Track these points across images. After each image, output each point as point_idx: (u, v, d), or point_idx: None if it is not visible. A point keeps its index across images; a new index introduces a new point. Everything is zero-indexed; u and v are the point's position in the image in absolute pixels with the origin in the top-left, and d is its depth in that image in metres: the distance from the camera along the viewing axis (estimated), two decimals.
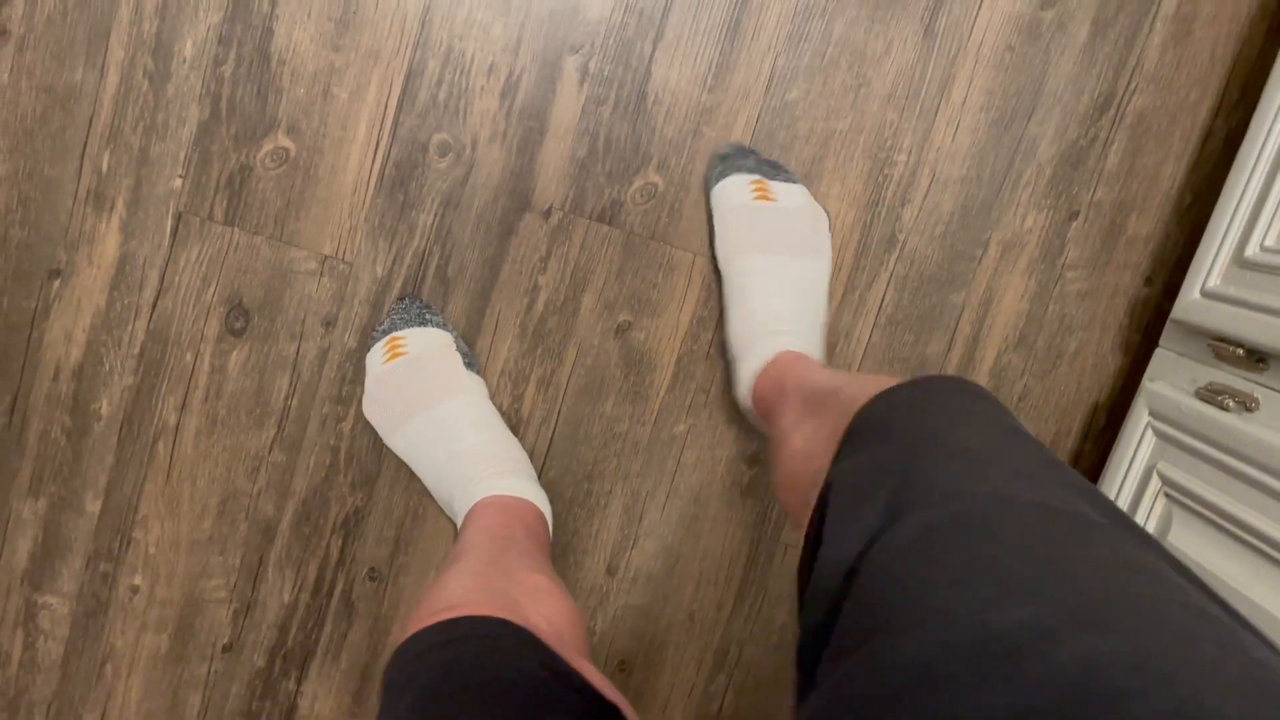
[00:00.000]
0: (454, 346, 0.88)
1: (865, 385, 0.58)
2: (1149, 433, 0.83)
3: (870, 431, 0.47)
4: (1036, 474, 0.39)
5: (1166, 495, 0.80)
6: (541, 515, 0.82)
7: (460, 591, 0.60)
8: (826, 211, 0.91)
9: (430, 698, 0.48)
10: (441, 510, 0.93)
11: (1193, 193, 0.95)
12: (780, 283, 0.85)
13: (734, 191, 0.87)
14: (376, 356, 0.88)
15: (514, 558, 0.70)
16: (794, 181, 0.89)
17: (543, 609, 0.62)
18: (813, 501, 0.50)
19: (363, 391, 0.90)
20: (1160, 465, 0.81)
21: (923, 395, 0.47)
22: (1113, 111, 0.93)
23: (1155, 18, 0.91)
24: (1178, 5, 0.91)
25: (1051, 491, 0.37)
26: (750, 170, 0.87)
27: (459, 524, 0.82)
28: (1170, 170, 0.94)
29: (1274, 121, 0.78)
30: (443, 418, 0.86)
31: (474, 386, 0.88)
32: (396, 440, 0.88)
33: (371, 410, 0.89)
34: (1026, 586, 0.29)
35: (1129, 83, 0.92)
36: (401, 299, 0.89)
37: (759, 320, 0.84)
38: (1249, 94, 0.92)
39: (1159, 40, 0.91)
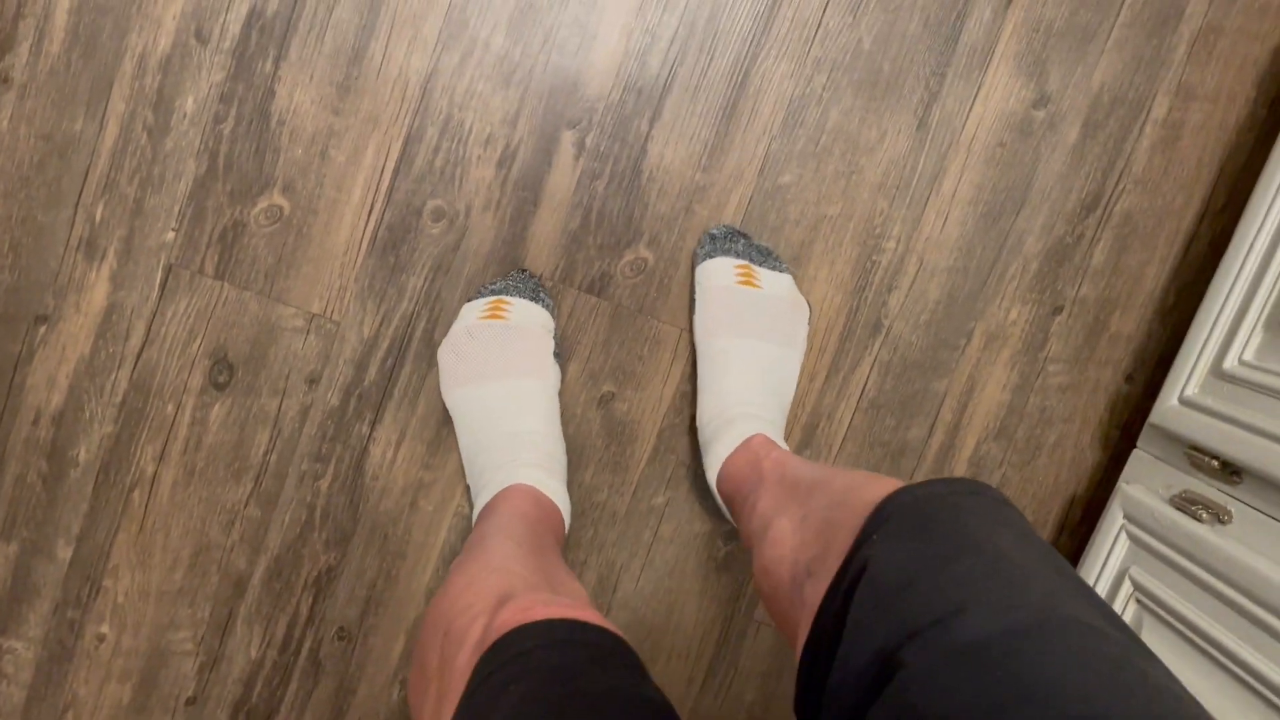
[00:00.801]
0: (551, 331, 0.88)
1: (863, 479, 0.59)
2: (1123, 535, 0.84)
3: (907, 522, 0.47)
4: (1069, 589, 0.41)
5: (1138, 601, 0.81)
6: (564, 525, 0.82)
7: (530, 577, 0.59)
8: (809, 304, 0.92)
9: (541, 701, 0.44)
10: (463, 476, 0.91)
11: (1176, 294, 0.96)
12: (754, 367, 0.86)
13: (719, 272, 0.88)
14: (475, 309, 0.88)
15: (551, 558, 0.69)
16: (781, 270, 0.90)
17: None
18: (809, 585, 0.51)
19: (445, 334, 0.89)
20: (1133, 570, 0.81)
21: (960, 496, 0.48)
22: (1100, 211, 0.94)
23: (1145, 122, 0.93)
24: (1168, 111, 0.93)
25: (1084, 608, 0.39)
26: (738, 255, 0.88)
27: (484, 493, 0.81)
28: (1154, 271, 0.95)
29: (1256, 237, 0.79)
30: (519, 392, 0.85)
31: (554, 376, 0.88)
32: (459, 394, 0.87)
33: (448, 358, 0.88)
34: (1084, 708, 0.31)
35: (1117, 184, 0.93)
36: (522, 270, 0.89)
37: (731, 402, 0.85)
38: (1234, 200, 0.93)
39: (1148, 144, 0.93)
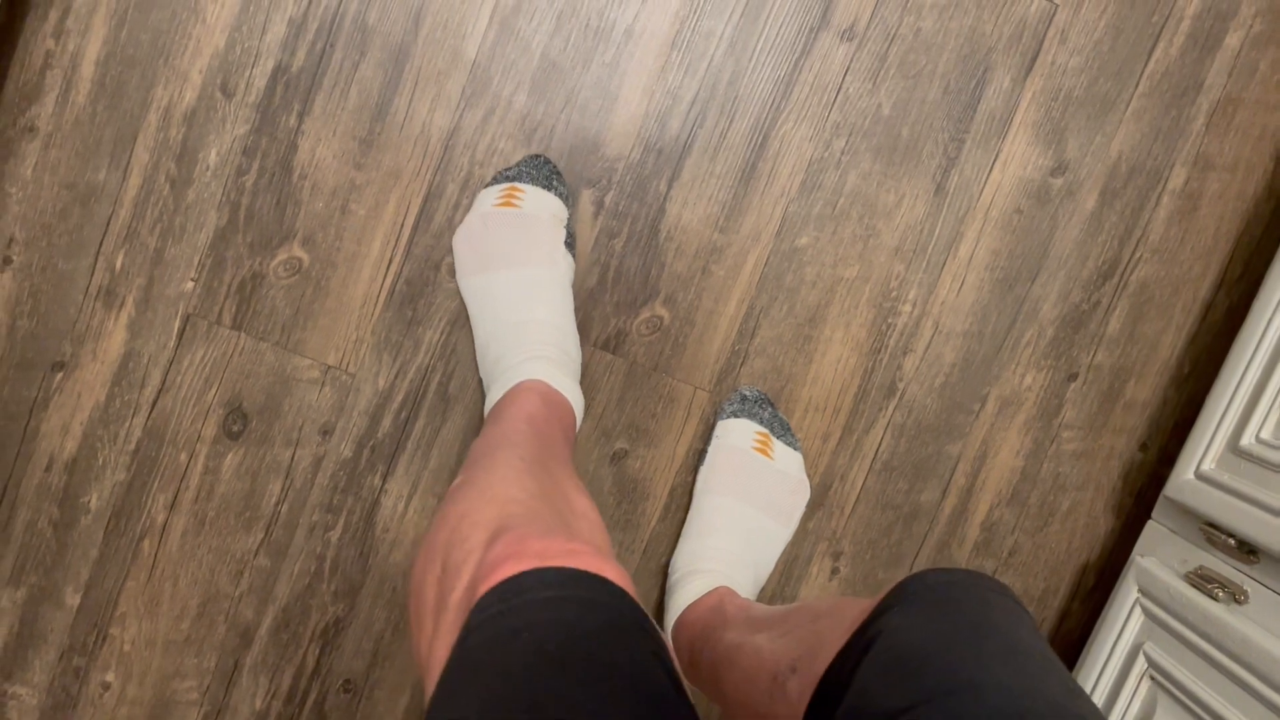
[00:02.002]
0: (565, 221, 0.87)
1: (845, 599, 0.59)
2: (1137, 610, 0.83)
3: (930, 598, 0.46)
4: (1082, 696, 0.41)
5: (1152, 678, 0.80)
6: (575, 419, 0.80)
7: (530, 501, 0.56)
8: (810, 488, 0.93)
9: (549, 658, 0.41)
10: (476, 365, 0.90)
11: (1191, 362, 0.96)
12: (743, 532, 0.88)
13: (738, 433, 0.89)
14: (490, 196, 0.86)
15: (558, 466, 0.67)
16: (795, 448, 0.91)
17: (596, 538, 0.59)
18: (794, 680, 0.50)
19: (461, 220, 0.88)
20: (1147, 646, 0.81)
21: (985, 590, 0.47)
22: (1116, 279, 0.94)
23: (1163, 191, 0.93)
24: (1185, 181, 0.93)
25: (1091, 712, 0.40)
26: (762, 422, 0.90)
27: (494, 388, 0.80)
28: (1170, 339, 0.95)
29: (1274, 313, 0.79)
30: (528, 281, 0.84)
31: (566, 265, 0.86)
32: (472, 282, 0.86)
33: (462, 244, 0.86)
34: None
35: (1134, 252, 0.94)
36: (538, 156, 0.87)
37: (709, 555, 0.86)
38: (1251, 270, 0.93)
39: (1165, 213, 0.93)
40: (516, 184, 0.86)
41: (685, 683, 0.49)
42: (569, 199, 0.88)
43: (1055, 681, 0.40)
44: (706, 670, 0.74)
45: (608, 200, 0.89)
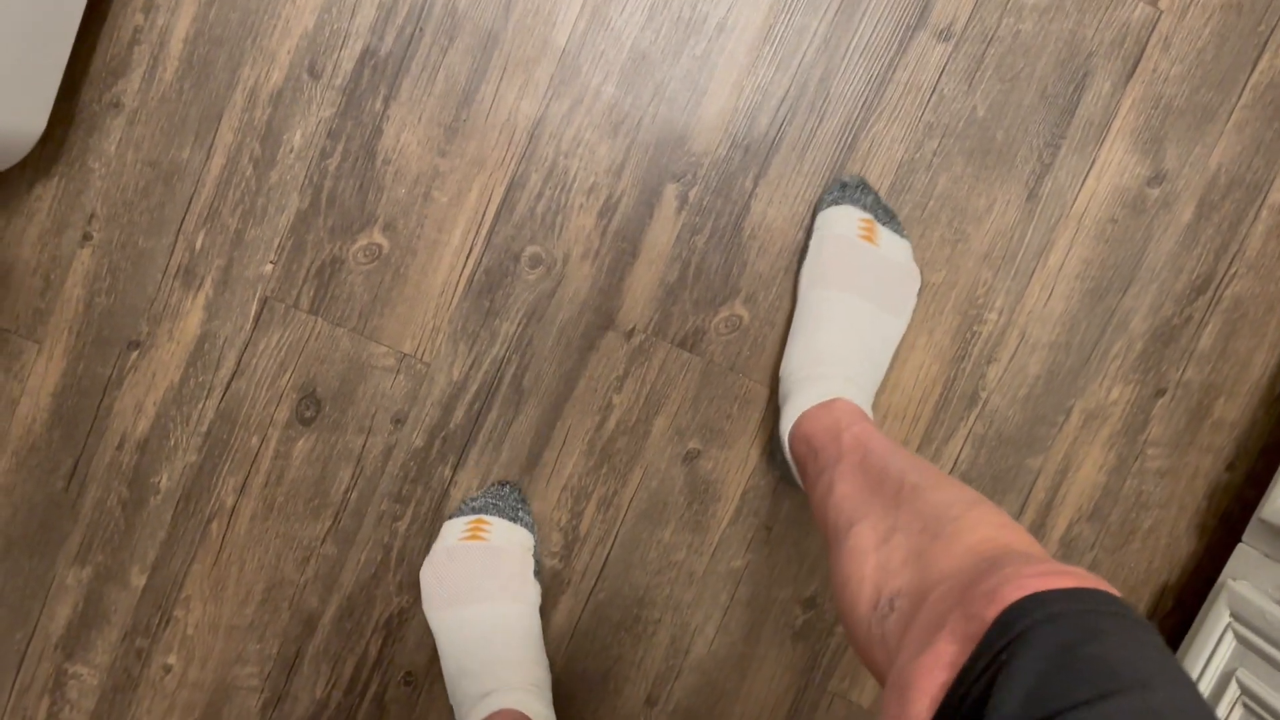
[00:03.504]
0: (531, 551, 0.89)
1: (959, 507, 0.55)
2: (1229, 634, 0.81)
3: (1044, 646, 0.41)
4: None
5: (1245, 705, 0.77)
6: None
7: None
8: (921, 276, 0.89)
9: None
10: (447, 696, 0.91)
11: None
12: (855, 328, 0.82)
13: (841, 221, 0.84)
14: (456, 528, 0.88)
15: None
16: (903, 236, 0.87)
17: None
18: (893, 620, 0.49)
19: (427, 554, 0.89)
20: (1240, 672, 0.78)
21: (1103, 617, 0.44)
22: (1210, 293, 0.91)
23: (1262, 206, 0.90)
24: None
25: None
26: (866, 208, 0.85)
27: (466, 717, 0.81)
28: (1263, 359, 0.92)
29: None
30: (497, 619, 0.85)
31: (534, 597, 0.88)
32: (441, 616, 0.87)
33: (429, 578, 0.88)
34: None
35: (1229, 267, 0.91)
36: (503, 484, 0.89)
37: (823, 357, 0.81)
38: None
39: (1263, 229, 0.91)
40: (483, 516, 0.87)
41: None
42: (534, 527, 0.89)
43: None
44: (817, 508, 0.70)
45: (692, 195, 0.88)
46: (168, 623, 0.91)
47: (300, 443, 0.89)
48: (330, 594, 0.91)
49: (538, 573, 0.90)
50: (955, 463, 0.93)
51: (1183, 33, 0.88)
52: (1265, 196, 0.90)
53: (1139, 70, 0.88)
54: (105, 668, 0.91)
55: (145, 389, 0.87)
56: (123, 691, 0.91)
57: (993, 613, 0.44)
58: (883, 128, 0.88)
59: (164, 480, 0.89)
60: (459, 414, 0.90)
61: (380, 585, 0.91)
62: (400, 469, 0.90)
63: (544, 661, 0.88)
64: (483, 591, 0.86)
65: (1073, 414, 0.93)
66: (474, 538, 0.87)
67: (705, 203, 0.88)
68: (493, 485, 0.89)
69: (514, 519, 0.88)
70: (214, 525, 0.89)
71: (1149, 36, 0.87)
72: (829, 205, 0.86)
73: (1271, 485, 0.83)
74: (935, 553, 0.52)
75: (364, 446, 0.89)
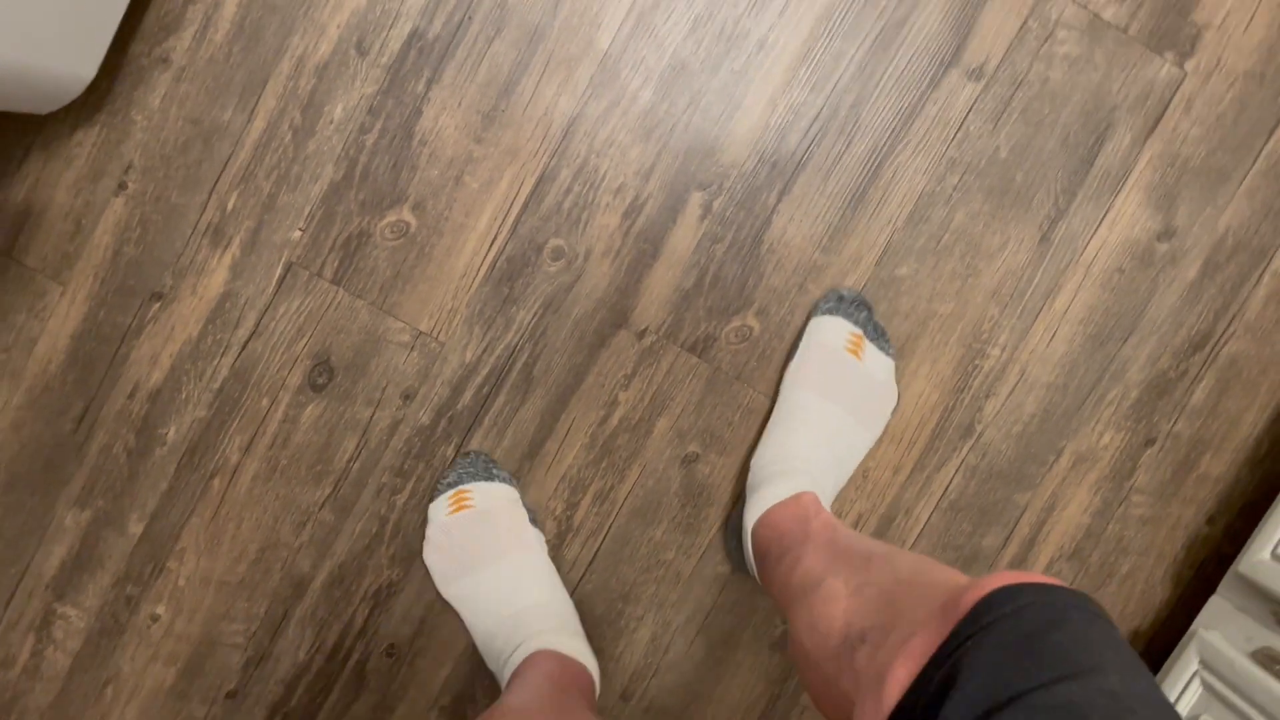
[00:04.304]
0: (519, 501, 0.90)
1: (928, 563, 0.58)
2: (1196, 681, 0.83)
3: (1007, 634, 0.44)
4: None
5: None
6: (593, 680, 0.82)
7: None
8: (899, 397, 0.92)
9: None
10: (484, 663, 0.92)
11: (1270, 444, 0.95)
12: (828, 434, 0.86)
13: (831, 331, 0.88)
14: (441, 507, 0.90)
15: (579, 716, 0.69)
16: (888, 355, 0.90)
17: None
18: (863, 651, 0.51)
19: (424, 539, 0.91)
20: (1204, 718, 0.81)
21: (1063, 609, 0.46)
22: (1207, 350, 0.94)
23: (1265, 270, 0.93)
24: None
25: None
26: (857, 323, 0.88)
27: (506, 677, 0.82)
28: (1252, 418, 0.95)
29: None
30: (509, 573, 0.87)
31: (536, 543, 0.90)
32: (455, 589, 0.89)
33: (433, 557, 0.90)
34: None
35: (1228, 327, 0.94)
36: (466, 454, 0.91)
37: (794, 455, 0.85)
38: None
39: (1264, 292, 0.93)
40: (461, 487, 0.89)
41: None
42: (512, 480, 0.91)
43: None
44: (779, 585, 0.73)
45: (715, 205, 0.90)
46: (160, 573, 0.92)
47: (309, 408, 0.90)
48: (323, 560, 0.93)
49: (533, 520, 0.91)
50: (945, 490, 0.95)
51: (1205, 96, 0.90)
52: (1269, 262, 0.93)
53: (1159, 128, 0.91)
54: (94, 611, 0.92)
55: (163, 341, 0.89)
56: (109, 636, 0.92)
57: (967, 603, 0.47)
58: (907, 158, 0.90)
59: (171, 432, 0.90)
60: (467, 395, 0.91)
61: (373, 556, 0.93)
62: (404, 444, 0.92)
63: (567, 599, 0.89)
64: (487, 553, 0.87)
65: (1063, 454, 0.95)
66: (460, 508, 0.88)
67: (728, 214, 0.90)
68: (457, 459, 0.91)
69: (489, 478, 0.89)
70: (216, 481, 0.91)
71: (1172, 96, 0.90)
72: (823, 313, 0.90)
73: (1250, 539, 0.86)
74: (907, 596, 0.54)
75: (371, 418, 0.91)
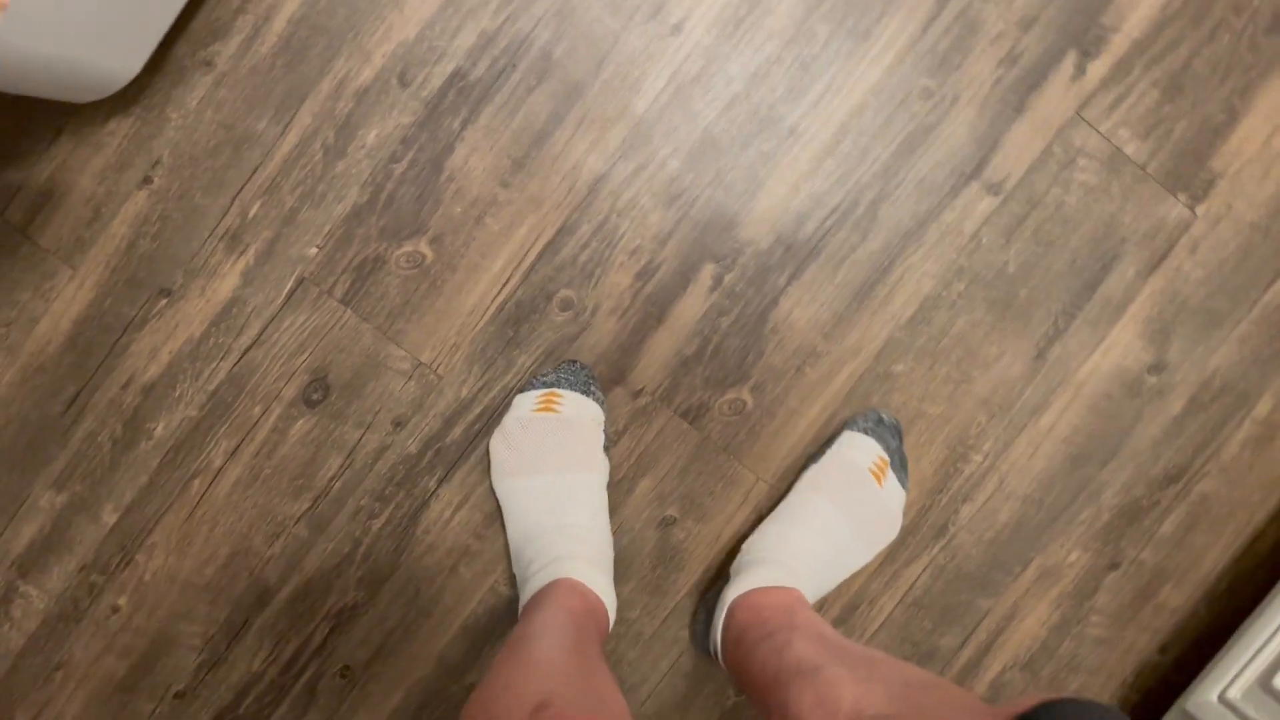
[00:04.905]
0: (602, 425, 0.90)
1: (932, 676, 0.60)
2: None
3: None
4: None
5: None
6: (609, 620, 0.83)
7: (568, 684, 0.61)
8: (901, 529, 0.94)
9: None
10: (511, 564, 0.91)
11: (1229, 583, 0.98)
12: (830, 541, 0.88)
13: (862, 449, 0.90)
14: (528, 401, 0.89)
15: (596, 659, 0.71)
16: (904, 487, 0.93)
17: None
18: None
19: (498, 424, 0.91)
20: None
21: None
22: (1180, 485, 0.96)
23: (1246, 416, 0.95)
24: (1270, 411, 0.95)
25: None
26: (887, 450, 0.91)
27: (529, 584, 0.82)
28: (1215, 556, 0.97)
29: None
30: (569, 487, 0.87)
31: (604, 469, 0.90)
32: (509, 485, 0.89)
33: (500, 447, 0.90)
34: None
35: (1204, 465, 0.96)
36: (574, 362, 0.90)
37: (791, 550, 0.86)
38: None
39: (1243, 437, 0.96)
40: (556, 389, 0.89)
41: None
42: (605, 404, 0.92)
43: None
44: (758, 666, 0.74)
45: (727, 279, 0.91)
46: (127, 565, 0.92)
47: (300, 423, 0.91)
48: (291, 574, 0.93)
49: (608, 448, 0.91)
50: (912, 586, 0.96)
51: (1211, 240, 0.93)
52: (1251, 408, 0.96)
53: (1164, 265, 0.93)
54: (55, 594, 0.92)
55: (164, 337, 0.89)
56: (66, 621, 0.92)
57: (1019, 708, 0.48)
58: (918, 260, 0.92)
59: (160, 428, 0.90)
60: (458, 431, 0.92)
61: (341, 576, 0.93)
62: (389, 469, 0.92)
63: (609, 537, 0.89)
64: (553, 460, 0.87)
65: (1030, 567, 0.97)
66: (546, 409, 0.88)
67: (738, 289, 0.92)
68: (564, 363, 0.91)
69: (586, 392, 0.89)
70: (196, 481, 0.91)
71: (1180, 237, 0.93)
72: (859, 430, 0.91)
73: (1199, 678, 0.88)
74: (927, 695, 0.56)
75: (359, 440, 0.92)
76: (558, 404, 0.88)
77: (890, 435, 0.91)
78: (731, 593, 0.84)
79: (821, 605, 0.97)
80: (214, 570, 0.92)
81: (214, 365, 0.90)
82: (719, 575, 0.95)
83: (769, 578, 0.83)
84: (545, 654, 0.68)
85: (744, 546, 0.90)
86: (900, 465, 0.91)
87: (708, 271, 0.91)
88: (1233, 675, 0.84)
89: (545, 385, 0.90)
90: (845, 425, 0.92)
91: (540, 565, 0.84)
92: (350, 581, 0.93)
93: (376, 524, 0.93)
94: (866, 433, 0.91)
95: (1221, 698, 0.84)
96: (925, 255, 0.92)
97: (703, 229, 0.91)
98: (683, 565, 0.95)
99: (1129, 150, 0.91)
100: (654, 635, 0.96)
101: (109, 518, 0.91)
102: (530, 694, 0.59)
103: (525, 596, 0.84)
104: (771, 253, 0.92)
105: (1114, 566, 0.97)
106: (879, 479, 0.90)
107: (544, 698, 0.58)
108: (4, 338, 0.88)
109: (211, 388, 0.90)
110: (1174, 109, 0.91)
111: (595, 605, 0.82)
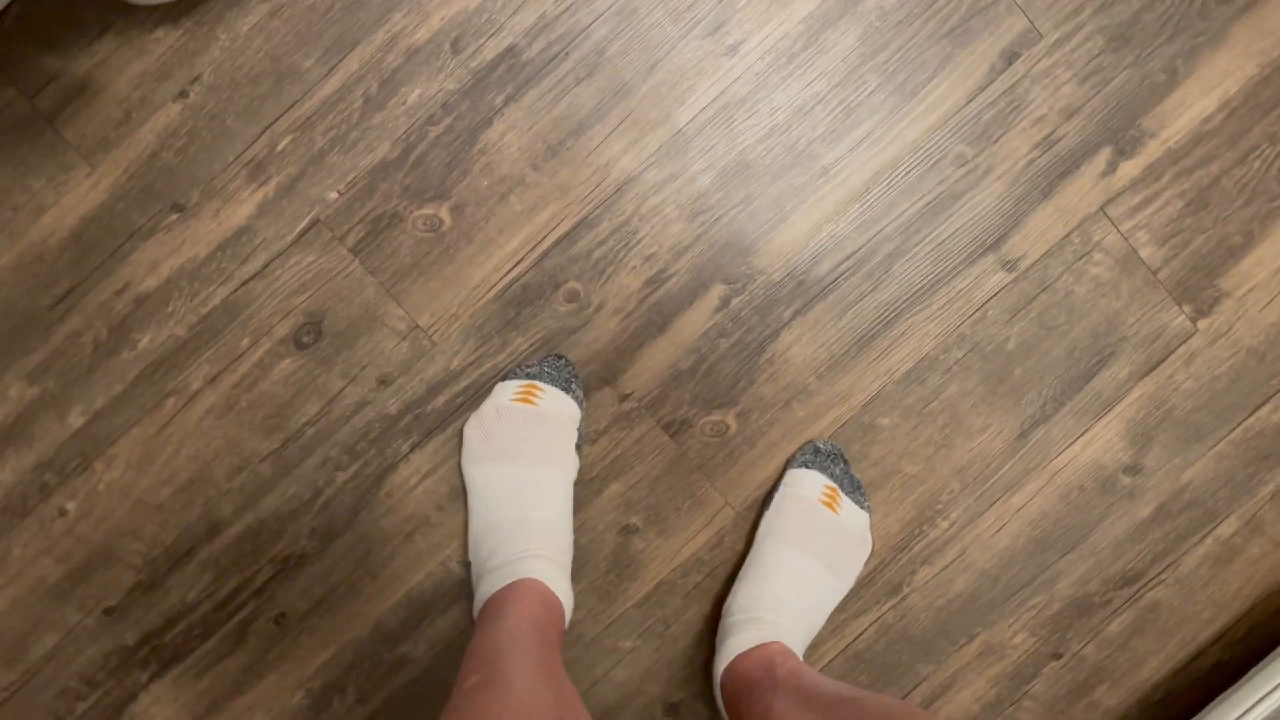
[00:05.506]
0: (578, 423, 0.90)
1: (901, 707, 0.60)
2: None
3: None
4: None
5: None
6: (565, 623, 0.83)
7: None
8: (873, 547, 0.94)
9: None
10: (467, 548, 0.91)
11: (1164, 693, 0.99)
12: (800, 584, 0.88)
13: (807, 484, 0.90)
14: (508, 389, 0.89)
15: (559, 672, 0.71)
16: (864, 508, 0.92)
17: None
18: None
19: (475, 409, 0.90)
20: None
21: None
22: (1134, 588, 0.97)
23: (1209, 533, 0.97)
24: (1233, 533, 0.97)
25: None
26: (833, 477, 0.91)
27: (488, 579, 0.82)
28: (1155, 664, 0.98)
29: (1269, 694, 0.82)
30: (536, 480, 0.87)
31: (573, 467, 0.89)
32: (478, 470, 0.88)
33: (474, 431, 0.89)
34: None
35: (1160, 573, 0.97)
36: (559, 357, 0.90)
37: (765, 605, 0.87)
38: (1253, 638, 0.97)
39: (1203, 553, 0.97)
40: (537, 382, 0.90)
41: None
42: (584, 403, 0.92)
43: None
44: None
45: (734, 303, 0.92)
46: (84, 470, 0.90)
47: (285, 362, 0.90)
48: (245, 511, 0.92)
49: (580, 447, 0.91)
50: (856, 639, 0.97)
51: (1207, 356, 0.95)
52: (1216, 527, 0.97)
53: (1157, 371, 0.95)
54: (5, 486, 0.90)
55: (169, 252, 0.88)
56: (10, 515, 0.91)
57: None
58: (922, 320, 0.93)
59: (145, 340, 0.89)
60: (440, 400, 0.92)
61: (295, 522, 0.92)
62: (364, 425, 0.92)
63: (570, 531, 0.89)
64: (525, 452, 0.87)
65: (975, 641, 0.97)
66: (525, 400, 0.88)
67: (743, 314, 0.92)
68: (549, 357, 0.90)
69: (566, 389, 0.89)
70: (171, 401, 0.90)
71: (1178, 347, 0.94)
72: (799, 466, 0.92)
73: None
74: None
75: (341, 391, 0.91)
76: (537, 397, 0.89)
77: (831, 462, 0.92)
78: (718, 666, 0.85)
79: None
80: (169, 493, 0.91)
81: (212, 289, 0.89)
82: (672, 593, 0.95)
83: (749, 640, 0.84)
84: (520, 687, 0.67)
85: (724, 610, 0.91)
86: (853, 488, 0.92)
87: (716, 291, 0.92)
88: None
89: (528, 376, 0.90)
90: (786, 466, 0.93)
91: (501, 560, 0.84)
92: (304, 529, 0.93)
93: (341, 477, 0.92)
94: (807, 466, 0.91)
95: None
96: (931, 317, 0.93)
97: (720, 249, 0.91)
98: (636, 576, 0.95)
99: (1144, 253, 0.93)
100: (594, 640, 0.96)
101: (75, 420, 0.90)
102: None
103: (482, 589, 0.83)
104: (783, 285, 0.92)
105: (1056, 656, 0.98)
106: (833, 507, 0.90)
107: None
108: (8, 221, 0.87)
109: (205, 311, 0.89)
110: (1195, 222, 0.93)
111: (554, 608, 0.82)
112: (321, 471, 0.92)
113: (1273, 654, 0.89)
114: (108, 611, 0.92)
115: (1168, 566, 0.97)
